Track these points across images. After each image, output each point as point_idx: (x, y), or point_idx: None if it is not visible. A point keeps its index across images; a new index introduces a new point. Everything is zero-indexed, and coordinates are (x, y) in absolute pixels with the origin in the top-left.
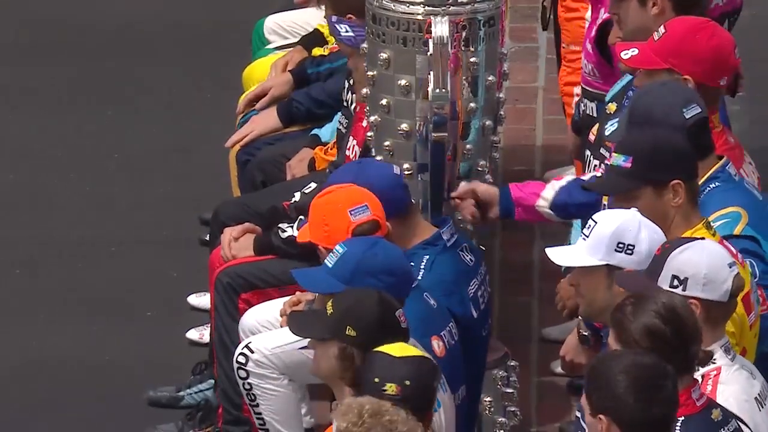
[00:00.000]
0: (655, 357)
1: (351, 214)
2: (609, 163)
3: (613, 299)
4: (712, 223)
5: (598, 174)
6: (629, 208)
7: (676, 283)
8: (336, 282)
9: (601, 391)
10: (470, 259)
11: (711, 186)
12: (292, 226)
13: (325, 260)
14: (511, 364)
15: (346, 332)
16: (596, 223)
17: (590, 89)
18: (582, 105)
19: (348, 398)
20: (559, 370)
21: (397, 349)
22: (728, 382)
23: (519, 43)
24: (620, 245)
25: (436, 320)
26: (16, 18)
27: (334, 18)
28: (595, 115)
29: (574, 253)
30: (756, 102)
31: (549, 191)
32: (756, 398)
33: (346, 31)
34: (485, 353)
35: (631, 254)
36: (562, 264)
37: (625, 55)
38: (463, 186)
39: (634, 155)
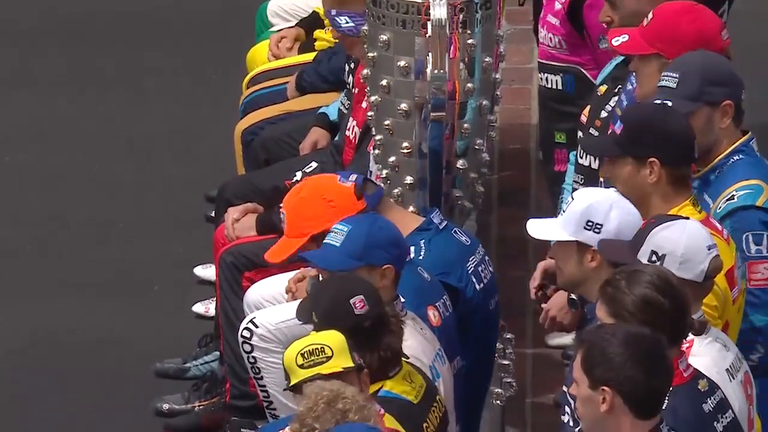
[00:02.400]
0: (647, 328)
1: (342, 182)
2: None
3: (584, 274)
4: (735, 192)
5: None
6: (615, 176)
7: (654, 258)
8: (349, 259)
9: (603, 365)
10: (465, 239)
11: (735, 158)
12: None
13: (329, 240)
14: (507, 336)
15: (313, 318)
16: (573, 200)
17: (552, 63)
18: (542, 80)
19: (318, 382)
20: (553, 342)
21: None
22: (700, 354)
23: (515, 25)
24: (589, 223)
25: (430, 292)
26: (29, 5)
27: (333, 12)
28: (560, 88)
29: (550, 226)
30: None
31: None
32: (727, 369)
33: (347, 23)
34: (497, 326)
35: (598, 233)
36: (537, 237)
37: (616, 41)
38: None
39: (625, 124)
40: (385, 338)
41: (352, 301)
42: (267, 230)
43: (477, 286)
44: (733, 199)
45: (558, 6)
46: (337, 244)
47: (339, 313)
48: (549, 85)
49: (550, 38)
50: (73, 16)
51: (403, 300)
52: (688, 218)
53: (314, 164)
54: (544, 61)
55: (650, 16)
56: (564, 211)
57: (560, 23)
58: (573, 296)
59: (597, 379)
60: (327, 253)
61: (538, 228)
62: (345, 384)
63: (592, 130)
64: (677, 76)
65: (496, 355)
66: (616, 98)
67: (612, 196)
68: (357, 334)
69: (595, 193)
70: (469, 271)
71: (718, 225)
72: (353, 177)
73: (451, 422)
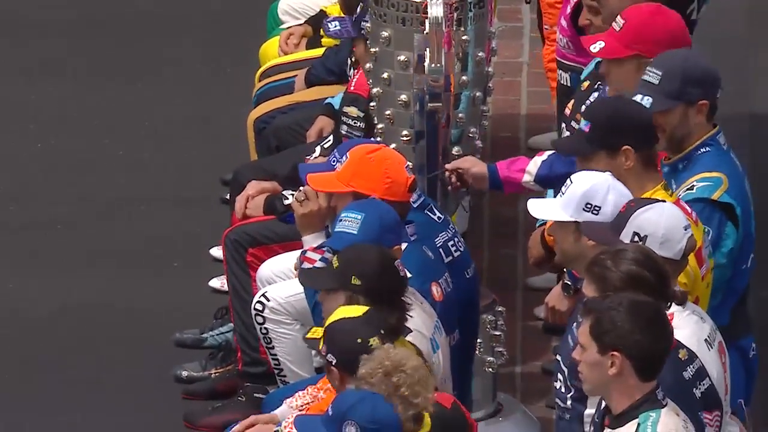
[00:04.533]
0: (646, 296)
1: (407, 170)
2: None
3: (581, 250)
4: (695, 183)
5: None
6: (591, 169)
7: (636, 239)
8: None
9: (612, 331)
10: (438, 217)
11: (702, 150)
12: (293, 194)
13: (344, 228)
14: (499, 309)
15: (352, 282)
16: (572, 182)
17: (565, 61)
18: (559, 76)
19: (384, 346)
20: (541, 315)
21: (352, 311)
22: (680, 327)
23: (506, 22)
24: (588, 205)
25: (434, 269)
26: (61, 2)
27: (328, 18)
28: (569, 84)
29: (550, 207)
30: None
31: (532, 167)
32: (705, 339)
33: (335, 27)
34: (475, 295)
35: (597, 214)
36: (538, 216)
37: (594, 48)
38: (457, 163)
39: (592, 121)
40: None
41: (397, 263)
42: (271, 212)
43: (444, 259)
44: (692, 189)
45: (568, 10)
46: (355, 232)
47: (389, 274)
48: (562, 81)
49: (560, 38)
50: (103, 12)
51: (409, 275)
52: (664, 201)
53: (332, 138)
54: (559, 59)
55: (621, 20)
56: (563, 193)
57: (567, 26)
58: (567, 281)
59: (607, 345)
60: (348, 242)
61: (539, 208)
62: (412, 354)
63: (573, 123)
64: (660, 73)
65: (489, 326)
66: (596, 94)
67: (608, 180)
68: (400, 294)
69: (592, 177)
70: (438, 245)
71: (687, 208)
72: (412, 173)
73: (448, 388)
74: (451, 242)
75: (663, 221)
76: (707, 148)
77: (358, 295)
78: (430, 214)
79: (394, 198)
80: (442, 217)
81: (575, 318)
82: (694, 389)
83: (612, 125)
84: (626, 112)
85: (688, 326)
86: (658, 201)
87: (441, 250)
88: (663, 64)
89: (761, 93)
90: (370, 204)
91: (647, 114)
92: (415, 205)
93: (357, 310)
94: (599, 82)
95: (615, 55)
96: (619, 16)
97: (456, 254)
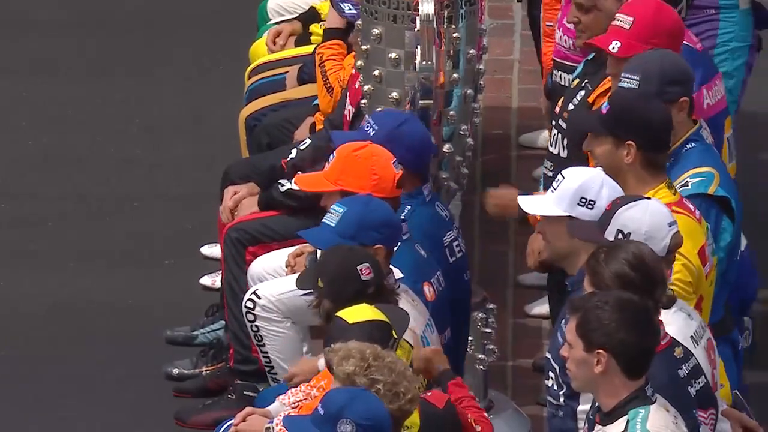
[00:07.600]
0: (634, 294)
1: (394, 166)
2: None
3: (572, 247)
4: (689, 179)
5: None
6: (595, 150)
7: (620, 236)
8: (341, 239)
9: (598, 329)
10: (445, 214)
11: (688, 146)
12: (290, 181)
13: (325, 220)
14: (490, 307)
15: (318, 284)
16: (564, 178)
17: (566, 62)
18: (555, 76)
19: (339, 344)
20: (532, 311)
21: (352, 313)
22: (667, 323)
23: (497, 19)
24: (582, 200)
25: (427, 268)
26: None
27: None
28: (568, 84)
29: (542, 202)
30: None
31: None
32: (692, 336)
33: (349, 9)
34: (469, 297)
35: (591, 209)
36: (530, 212)
37: (613, 48)
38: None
39: (612, 106)
40: None
41: (359, 267)
42: (268, 206)
43: (450, 259)
44: (687, 185)
45: None
46: (332, 225)
47: (347, 277)
48: (562, 82)
49: (565, 40)
50: (95, 10)
51: (401, 275)
52: (650, 198)
53: (308, 141)
54: (558, 60)
55: (628, 18)
56: (555, 189)
57: (573, 27)
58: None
59: (593, 342)
60: (322, 232)
61: (532, 204)
62: (390, 352)
63: (560, 122)
64: (638, 77)
65: (480, 324)
66: (583, 92)
67: (601, 175)
68: (360, 298)
69: (585, 172)
70: (445, 244)
71: (690, 205)
72: (401, 169)
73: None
74: (456, 243)
75: (646, 218)
76: (693, 144)
77: (322, 298)
78: (439, 209)
79: (382, 194)
80: (449, 215)
81: (564, 315)
82: (690, 387)
83: (624, 116)
84: (642, 109)
85: (675, 323)
86: (642, 198)
87: (447, 249)
88: (639, 68)
89: (762, 93)
90: (359, 200)
91: (664, 120)
92: (427, 200)
93: (358, 315)
94: (586, 80)
95: (635, 52)
96: (622, 15)
97: (459, 255)
